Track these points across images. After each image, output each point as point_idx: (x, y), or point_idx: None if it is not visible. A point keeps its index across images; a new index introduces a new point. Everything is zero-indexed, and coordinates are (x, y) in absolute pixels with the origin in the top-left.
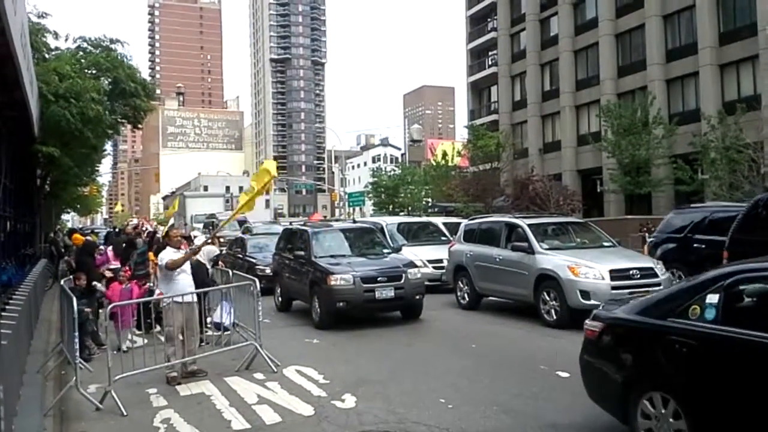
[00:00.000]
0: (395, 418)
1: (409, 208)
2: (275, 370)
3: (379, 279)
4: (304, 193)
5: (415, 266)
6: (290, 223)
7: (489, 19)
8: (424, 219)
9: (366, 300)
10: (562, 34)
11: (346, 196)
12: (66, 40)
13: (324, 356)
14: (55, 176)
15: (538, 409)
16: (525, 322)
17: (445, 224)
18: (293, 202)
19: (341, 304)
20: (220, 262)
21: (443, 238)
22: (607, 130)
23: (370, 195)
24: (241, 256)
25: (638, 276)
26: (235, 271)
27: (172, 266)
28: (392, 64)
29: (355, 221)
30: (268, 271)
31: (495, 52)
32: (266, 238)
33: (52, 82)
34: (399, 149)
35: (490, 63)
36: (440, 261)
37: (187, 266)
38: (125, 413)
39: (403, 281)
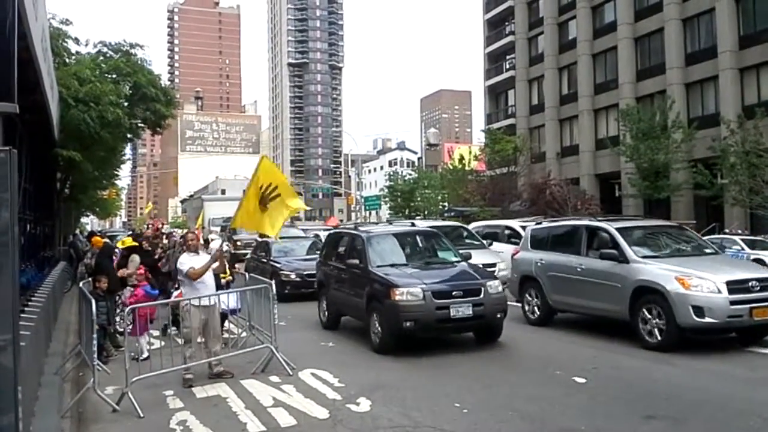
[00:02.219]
0: (410, 422)
1: (425, 212)
2: (291, 373)
3: (454, 294)
4: (320, 196)
5: (495, 278)
6: (336, 226)
7: (506, 23)
8: (497, 222)
9: (439, 319)
10: (581, 38)
11: (363, 200)
12: (86, 44)
13: (339, 360)
14: (75, 179)
15: (555, 415)
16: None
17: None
18: (310, 206)
19: (409, 323)
20: (236, 265)
21: (476, 242)
22: (625, 134)
23: (386, 199)
24: (264, 260)
25: (758, 288)
26: (251, 275)
27: (194, 277)
28: (409, 68)
29: (413, 224)
30: (293, 276)
31: (512, 55)
32: (292, 242)
33: (72, 86)
34: (416, 153)
35: (507, 67)
36: None
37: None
38: (142, 415)
39: (482, 296)
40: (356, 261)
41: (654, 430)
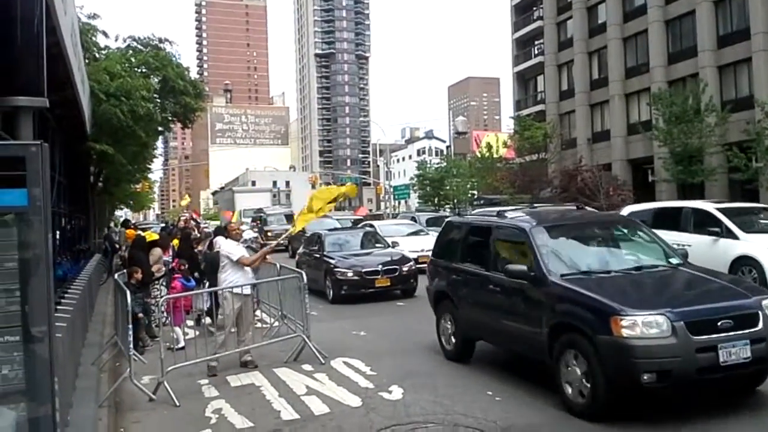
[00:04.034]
0: (442, 410)
1: (455, 201)
2: (323, 361)
3: (720, 324)
4: None
5: (765, 293)
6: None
7: (535, 8)
8: (674, 203)
9: (702, 367)
10: (610, 22)
11: (392, 190)
12: (116, 39)
13: (371, 349)
14: (108, 173)
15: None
16: None
17: None
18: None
19: (649, 375)
20: (268, 258)
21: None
22: (658, 119)
23: (415, 188)
24: (318, 255)
25: None
26: (282, 265)
27: (246, 263)
28: (436, 56)
29: (579, 206)
30: (350, 274)
31: (541, 41)
32: (346, 234)
33: (103, 80)
34: (444, 142)
35: (536, 52)
36: None
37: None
38: (178, 404)
39: (761, 326)
40: (520, 267)
41: None
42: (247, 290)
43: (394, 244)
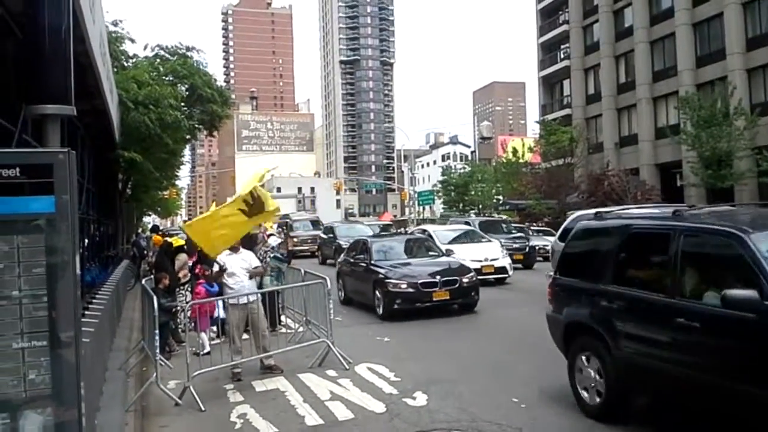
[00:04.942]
0: (467, 417)
1: (480, 206)
2: (347, 367)
3: None
4: (374, 192)
5: None
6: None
7: (560, 12)
8: None
9: None
10: (637, 25)
11: (416, 195)
12: (145, 48)
13: (394, 354)
14: (137, 180)
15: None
16: None
17: None
18: (363, 202)
19: None
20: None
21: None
22: (686, 122)
23: (440, 193)
24: (363, 264)
25: None
26: (307, 270)
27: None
28: (461, 61)
29: None
30: (403, 286)
31: (567, 45)
32: (393, 240)
33: (131, 89)
34: (469, 147)
35: (562, 56)
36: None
37: (240, 269)
38: (203, 408)
39: None
40: (748, 294)
41: None
42: (243, 300)
43: (449, 252)
